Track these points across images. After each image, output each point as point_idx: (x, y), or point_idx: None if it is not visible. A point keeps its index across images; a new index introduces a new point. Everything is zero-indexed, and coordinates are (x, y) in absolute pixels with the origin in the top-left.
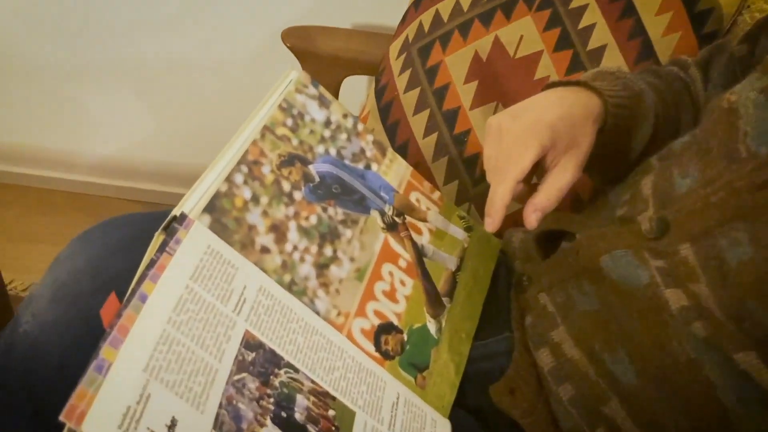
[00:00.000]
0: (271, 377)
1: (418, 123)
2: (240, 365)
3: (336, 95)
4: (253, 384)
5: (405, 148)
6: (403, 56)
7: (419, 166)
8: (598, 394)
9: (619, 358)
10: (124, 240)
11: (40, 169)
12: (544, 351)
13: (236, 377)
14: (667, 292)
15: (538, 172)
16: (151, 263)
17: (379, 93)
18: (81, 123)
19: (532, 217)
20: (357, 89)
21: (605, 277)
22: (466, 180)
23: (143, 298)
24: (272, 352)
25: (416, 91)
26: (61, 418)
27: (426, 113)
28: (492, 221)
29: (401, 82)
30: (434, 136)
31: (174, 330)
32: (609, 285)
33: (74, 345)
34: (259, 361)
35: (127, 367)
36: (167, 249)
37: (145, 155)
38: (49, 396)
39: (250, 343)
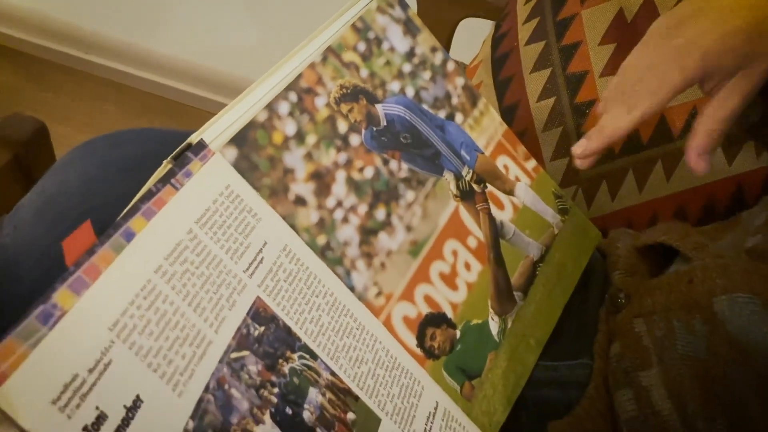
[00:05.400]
0: (280, 361)
1: (534, 83)
2: (242, 340)
3: (450, 37)
4: (255, 366)
5: (513, 110)
6: (533, 1)
7: (525, 134)
8: None
9: (717, 431)
10: (131, 159)
11: (145, 70)
12: (626, 394)
13: (234, 354)
14: None
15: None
16: (148, 195)
17: (497, 41)
18: (199, 33)
19: (700, 164)
20: (475, 34)
21: (719, 323)
22: None
23: (128, 236)
24: (287, 330)
25: (539, 45)
26: None
27: (546, 73)
28: (587, 148)
29: (524, 32)
30: (551, 101)
31: (162, 282)
32: (723, 334)
33: (50, 271)
34: (269, 338)
35: (86, 321)
36: (172, 181)
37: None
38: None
39: (259, 314)
